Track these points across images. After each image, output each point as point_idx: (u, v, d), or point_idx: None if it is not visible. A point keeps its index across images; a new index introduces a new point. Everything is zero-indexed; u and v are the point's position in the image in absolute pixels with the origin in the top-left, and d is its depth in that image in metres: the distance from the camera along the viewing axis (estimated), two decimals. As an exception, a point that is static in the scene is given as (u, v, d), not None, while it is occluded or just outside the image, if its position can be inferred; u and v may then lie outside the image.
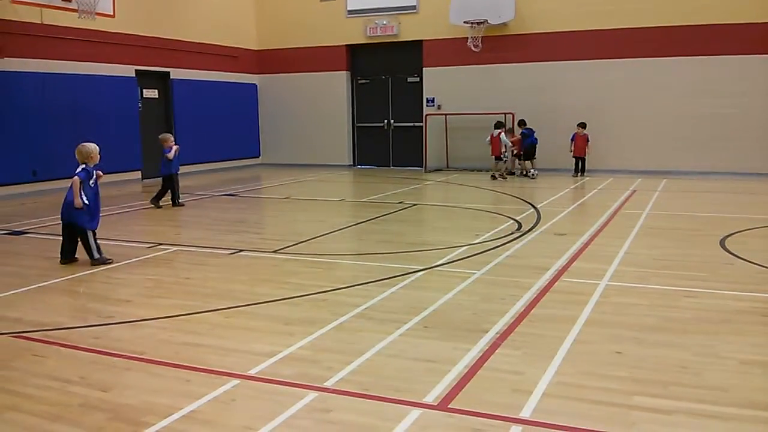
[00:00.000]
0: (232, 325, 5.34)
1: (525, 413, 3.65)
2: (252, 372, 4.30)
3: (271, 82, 20.95)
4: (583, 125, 16.30)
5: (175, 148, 12.08)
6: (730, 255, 7.54)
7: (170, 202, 12.11)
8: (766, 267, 6.91)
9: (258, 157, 21.11)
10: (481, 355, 4.52)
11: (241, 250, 8.10)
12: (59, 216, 7.79)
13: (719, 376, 4.16)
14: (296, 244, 8.46)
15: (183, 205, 12.18)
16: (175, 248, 8.32)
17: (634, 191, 13.51)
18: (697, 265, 7.09)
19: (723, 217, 10.14)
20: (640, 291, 6.14)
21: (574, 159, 16.58)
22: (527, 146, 16.62)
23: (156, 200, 12.04)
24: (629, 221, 9.82)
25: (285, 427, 3.56)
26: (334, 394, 3.96)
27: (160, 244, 8.59)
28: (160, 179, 12.37)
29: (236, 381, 4.16)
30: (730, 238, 8.43)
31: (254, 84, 20.85)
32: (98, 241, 7.63)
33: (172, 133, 14.75)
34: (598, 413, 3.67)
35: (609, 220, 9.95)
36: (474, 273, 6.78)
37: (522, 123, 16.98)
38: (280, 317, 5.50)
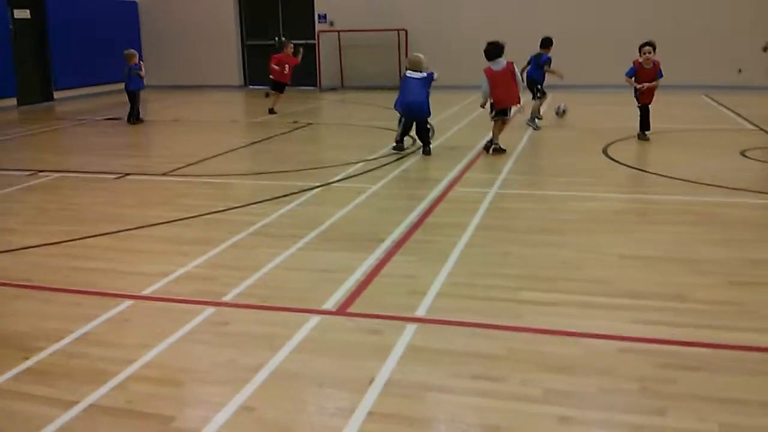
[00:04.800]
0: (123, 248, 5.19)
1: (420, 312, 3.80)
2: (146, 292, 4.23)
3: (152, -1, 19.79)
4: (651, 45, 9.18)
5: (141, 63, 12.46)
6: (612, 161, 7.94)
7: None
8: (642, 170, 7.33)
9: (143, 79, 20.08)
10: (377, 262, 4.62)
11: (128, 174, 7.80)
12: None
13: (601, 271, 4.44)
14: (187, 165, 8.22)
15: (143, 121, 12.34)
16: (58, 175, 7.90)
17: (525, 104, 13.84)
18: (581, 172, 7.44)
19: (606, 128, 10.59)
20: (527, 197, 6.40)
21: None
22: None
23: (133, 117, 12.20)
24: (519, 133, 10.11)
25: (183, 342, 3.55)
26: (233, 308, 3.96)
27: (42, 171, 8.13)
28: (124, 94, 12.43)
29: (130, 302, 4.08)
30: (611, 146, 8.85)
31: (134, 2, 19.64)
32: None
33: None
34: (488, 308, 3.86)
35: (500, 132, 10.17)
36: (370, 187, 6.84)
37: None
38: (173, 238, 5.38)
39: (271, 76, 13.10)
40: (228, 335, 3.63)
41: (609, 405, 2.90)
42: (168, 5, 19.61)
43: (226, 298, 4.09)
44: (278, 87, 13.07)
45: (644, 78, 9.21)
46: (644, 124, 9.42)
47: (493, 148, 8.54)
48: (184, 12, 19.51)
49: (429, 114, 8.88)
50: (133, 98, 12.20)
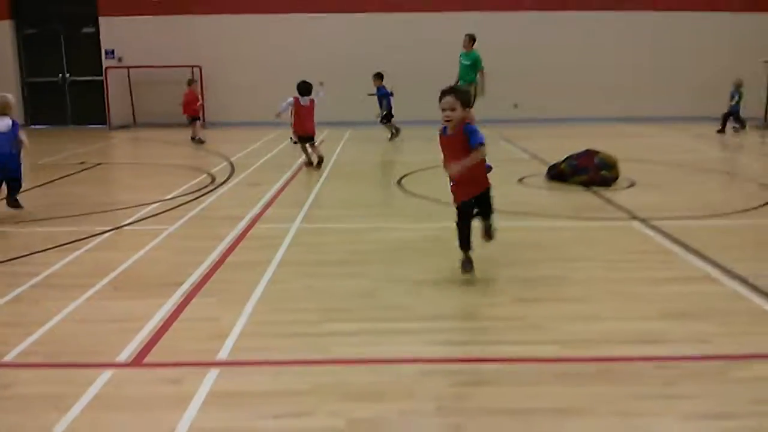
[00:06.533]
0: None
1: (222, 355, 3.71)
2: None
3: None
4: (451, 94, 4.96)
5: None
6: (406, 193, 8.33)
7: None
8: (433, 199, 7.76)
9: None
10: (175, 307, 4.44)
11: None
12: None
13: (399, 297, 4.61)
14: (-43, 215, 7.41)
15: None
16: None
17: (322, 140, 14.15)
18: (377, 204, 7.74)
19: (399, 161, 11.13)
20: (328, 230, 6.52)
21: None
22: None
23: None
24: (320, 170, 10.30)
25: (-46, 413, 3.17)
26: (15, 368, 3.62)
27: None
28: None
29: None
30: (405, 178, 9.29)
31: None
32: None
33: None
34: (292, 344, 3.87)
35: (300, 168, 10.33)
36: (167, 228, 6.59)
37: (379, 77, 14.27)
38: (-60, 297, 4.81)
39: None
40: (10, 399, 3.29)
41: (409, 428, 3.00)
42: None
43: (7, 359, 3.72)
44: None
45: (446, 151, 4.98)
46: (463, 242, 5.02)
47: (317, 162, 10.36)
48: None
49: (19, 171, 7.48)
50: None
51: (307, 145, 10.60)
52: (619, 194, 8.10)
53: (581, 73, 17.66)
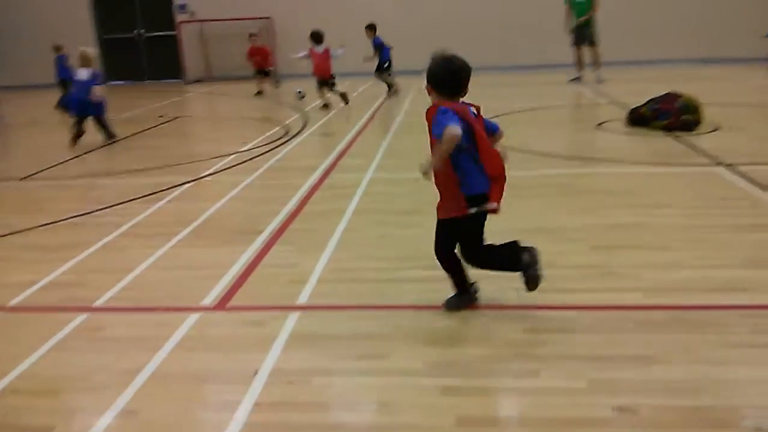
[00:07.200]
0: (-20, 260, 4.85)
1: (302, 300, 3.81)
2: (12, 303, 3.99)
3: (-5, -8, 18.41)
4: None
5: None
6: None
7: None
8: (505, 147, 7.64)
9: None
10: (256, 255, 4.58)
11: (-20, 181, 7.28)
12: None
13: (472, 245, 4.60)
14: (47, 168, 7.76)
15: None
16: None
17: (395, 89, 14.05)
18: (450, 152, 7.66)
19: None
20: (399, 180, 6.53)
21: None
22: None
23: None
24: (389, 119, 10.30)
25: (56, 351, 3.38)
26: (106, 312, 3.82)
27: None
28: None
29: (-6, 315, 3.84)
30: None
31: (-25, -4, 18.22)
32: None
33: None
34: (368, 289, 3.94)
35: (371, 119, 10.34)
36: (244, 179, 6.75)
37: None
38: (36, 246, 5.09)
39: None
40: (103, 340, 3.50)
41: (487, 372, 3.03)
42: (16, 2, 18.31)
43: (99, 303, 3.93)
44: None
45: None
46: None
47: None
48: (34, 8, 18.27)
49: (101, 110, 9.28)
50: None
51: (325, 88, 11.60)
52: (702, 139, 7.78)
53: (661, 13, 16.86)
